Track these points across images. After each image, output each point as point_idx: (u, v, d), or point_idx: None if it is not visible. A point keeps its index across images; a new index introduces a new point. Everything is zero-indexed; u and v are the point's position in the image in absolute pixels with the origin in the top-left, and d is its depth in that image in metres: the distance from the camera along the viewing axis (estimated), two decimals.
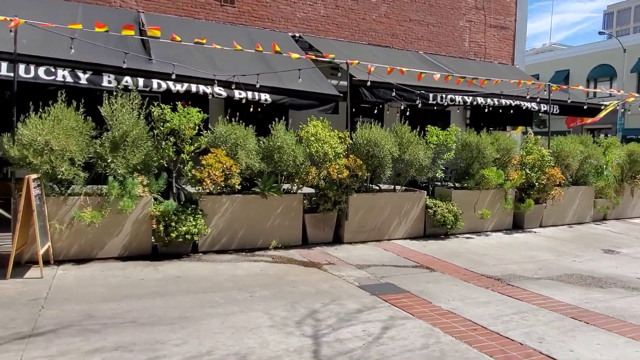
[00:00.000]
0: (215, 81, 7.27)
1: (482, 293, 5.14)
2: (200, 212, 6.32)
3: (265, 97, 8.13)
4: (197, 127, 6.43)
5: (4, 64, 6.58)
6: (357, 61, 7.33)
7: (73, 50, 6.33)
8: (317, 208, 7.19)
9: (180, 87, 7.53)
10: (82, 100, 6.09)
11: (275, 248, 6.85)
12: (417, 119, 9.34)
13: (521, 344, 3.78)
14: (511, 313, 4.50)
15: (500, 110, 10.84)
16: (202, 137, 6.64)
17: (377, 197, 7.62)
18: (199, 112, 6.57)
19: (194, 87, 7.63)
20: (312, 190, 7.47)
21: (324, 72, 9.50)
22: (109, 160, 5.91)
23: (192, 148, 6.45)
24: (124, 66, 6.66)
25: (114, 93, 6.22)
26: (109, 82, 7.13)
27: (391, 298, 4.84)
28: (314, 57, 7.58)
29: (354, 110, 9.90)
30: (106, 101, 6.16)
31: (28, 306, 4.26)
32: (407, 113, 9.02)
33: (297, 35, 11.16)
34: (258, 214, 6.79)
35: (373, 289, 5.14)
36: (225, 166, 6.32)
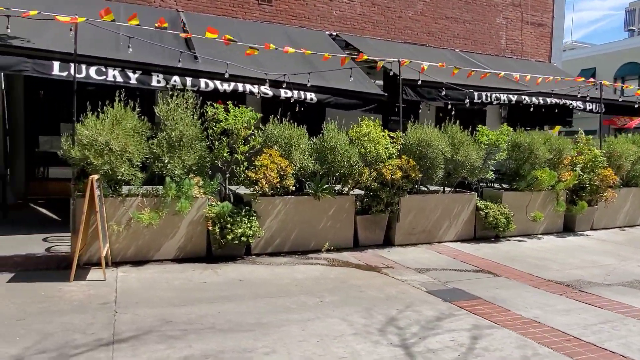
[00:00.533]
0: (267, 80, 7.15)
1: (557, 300, 4.92)
2: (255, 214, 6.20)
3: (311, 96, 8.00)
4: (251, 127, 6.31)
5: (56, 64, 6.55)
6: (408, 60, 7.14)
7: (131, 49, 6.27)
8: (369, 210, 7.02)
9: (227, 87, 7.43)
10: (137, 100, 6.01)
11: (328, 250, 6.71)
12: (453, 117, 9.05)
13: (623, 357, 3.57)
14: (598, 322, 4.28)
15: (543, 110, 10.56)
16: (255, 137, 6.51)
17: (427, 199, 7.43)
18: (251, 111, 6.45)
19: (240, 87, 7.53)
20: (360, 192, 7.31)
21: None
22: (165, 161, 5.81)
23: (247, 148, 6.33)
24: (179, 65, 6.59)
25: (170, 93, 6.12)
26: (158, 81, 7.06)
27: (466, 305, 4.65)
28: (366, 57, 7.39)
29: (395, 109, 9.74)
30: (161, 101, 6.07)
31: (101, 310, 4.17)
32: (453, 112, 8.80)
33: (334, 33, 11.02)
34: (310, 215, 6.65)
35: (443, 295, 4.96)
36: (280, 167, 6.20)
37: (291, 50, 6.70)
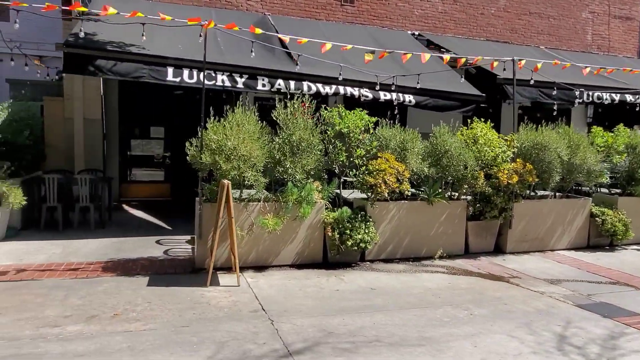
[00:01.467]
0: (378, 83, 7.01)
1: None
2: (370, 219, 6.05)
3: (409, 98, 7.81)
4: (370, 131, 6.17)
5: (170, 70, 6.66)
6: (524, 60, 6.80)
7: (253, 54, 6.24)
8: (480, 215, 6.74)
9: (329, 90, 7.36)
10: (249, 103, 5.99)
11: (440, 257, 6.47)
12: (537, 118, 8.51)
13: None
14: None
15: (637, 108, 9.91)
16: (366, 141, 6.34)
17: (541, 204, 7.06)
18: (367, 114, 6.31)
19: (341, 89, 7.43)
20: (467, 197, 7.03)
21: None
22: (287, 166, 5.76)
23: (363, 152, 6.20)
24: (297, 70, 6.55)
25: (288, 97, 6.06)
26: (263, 85, 7.07)
27: (631, 322, 4.32)
28: (480, 58, 7.10)
29: (490, 110, 9.38)
30: (279, 105, 6.02)
31: (256, 319, 4.12)
32: (552, 111, 8.37)
33: (416, 33, 10.76)
34: (422, 221, 6.44)
35: (596, 310, 4.63)
36: (397, 171, 6.02)
37: (409, 55, 6.49)
